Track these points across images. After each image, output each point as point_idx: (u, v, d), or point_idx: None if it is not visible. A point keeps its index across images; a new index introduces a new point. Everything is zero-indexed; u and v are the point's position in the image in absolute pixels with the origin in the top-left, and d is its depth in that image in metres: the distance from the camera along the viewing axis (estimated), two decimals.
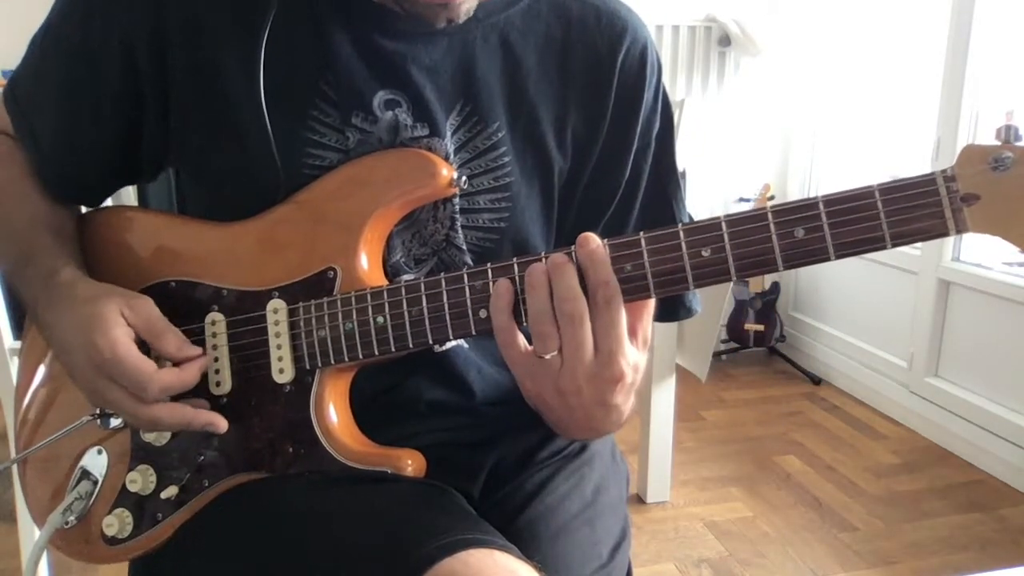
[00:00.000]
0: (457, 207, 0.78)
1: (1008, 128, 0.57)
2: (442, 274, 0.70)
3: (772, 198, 3.26)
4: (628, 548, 0.85)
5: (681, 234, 0.63)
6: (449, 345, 0.81)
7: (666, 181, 0.88)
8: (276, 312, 0.74)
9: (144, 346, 0.71)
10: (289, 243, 0.75)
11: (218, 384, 0.76)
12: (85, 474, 0.79)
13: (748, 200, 3.33)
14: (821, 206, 0.60)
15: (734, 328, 3.32)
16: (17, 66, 0.82)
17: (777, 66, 3.30)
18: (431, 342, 0.70)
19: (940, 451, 2.59)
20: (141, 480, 0.76)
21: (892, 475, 2.44)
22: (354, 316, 0.72)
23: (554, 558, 0.74)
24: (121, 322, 0.70)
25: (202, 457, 0.76)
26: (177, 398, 0.72)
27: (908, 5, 2.86)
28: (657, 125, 0.86)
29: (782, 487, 2.37)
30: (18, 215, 0.80)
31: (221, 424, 0.73)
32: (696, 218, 0.65)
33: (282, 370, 0.74)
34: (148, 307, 0.72)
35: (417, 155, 0.75)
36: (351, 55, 0.75)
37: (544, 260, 0.66)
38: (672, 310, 0.87)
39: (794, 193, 3.42)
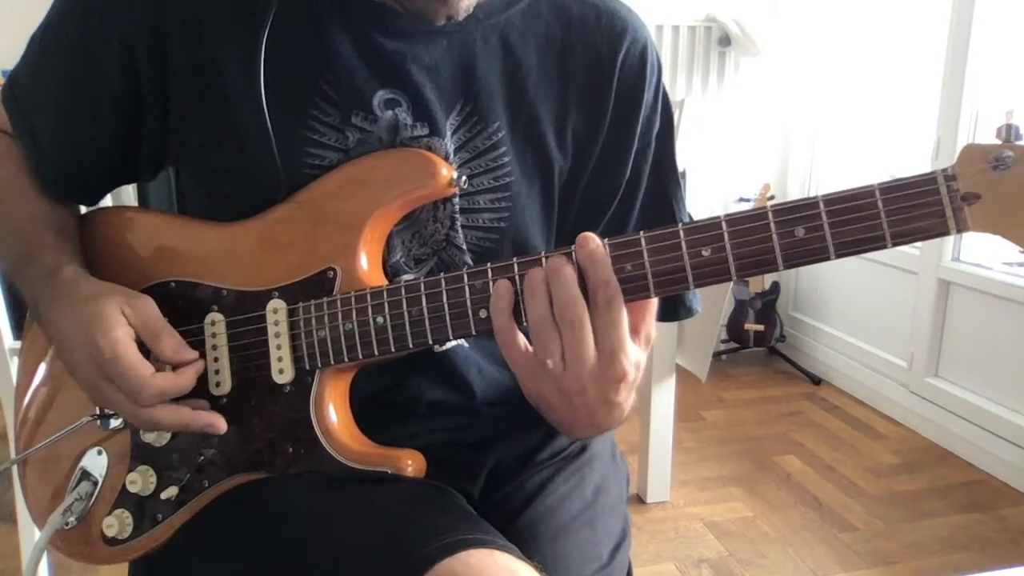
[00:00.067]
0: (457, 207, 0.78)
1: (1008, 127, 0.57)
2: (442, 274, 0.69)
3: (772, 198, 3.26)
4: (628, 548, 0.85)
5: (681, 234, 0.63)
6: (449, 345, 0.81)
7: (666, 181, 0.88)
8: (276, 312, 0.74)
9: (144, 346, 0.71)
10: (289, 243, 0.75)
11: (218, 384, 0.75)
12: (85, 475, 0.79)
13: (748, 200, 3.33)
14: (821, 205, 0.60)
15: (734, 328, 3.32)
16: (16, 64, 0.82)
17: (777, 66, 3.30)
18: (431, 342, 0.70)
19: (940, 451, 2.59)
20: (141, 481, 0.76)
21: (892, 475, 2.44)
22: (354, 316, 0.72)
23: (554, 558, 0.74)
24: (122, 321, 0.70)
25: (202, 457, 0.76)
26: (177, 399, 0.72)
27: (908, 5, 2.86)
28: (657, 125, 0.86)
29: (782, 487, 2.37)
30: (19, 214, 0.80)
31: (220, 425, 0.73)
32: (696, 218, 0.65)
33: (282, 370, 0.74)
34: (148, 307, 0.72)
35: (417, 155, 0.75)
36: (351, 54, 0.75)
37: (544, 260, 0.66)
38: (672, 310, 0.87)
39: (794, 193, 3.42)
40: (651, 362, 2.16)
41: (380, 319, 0.71)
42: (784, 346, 3.42)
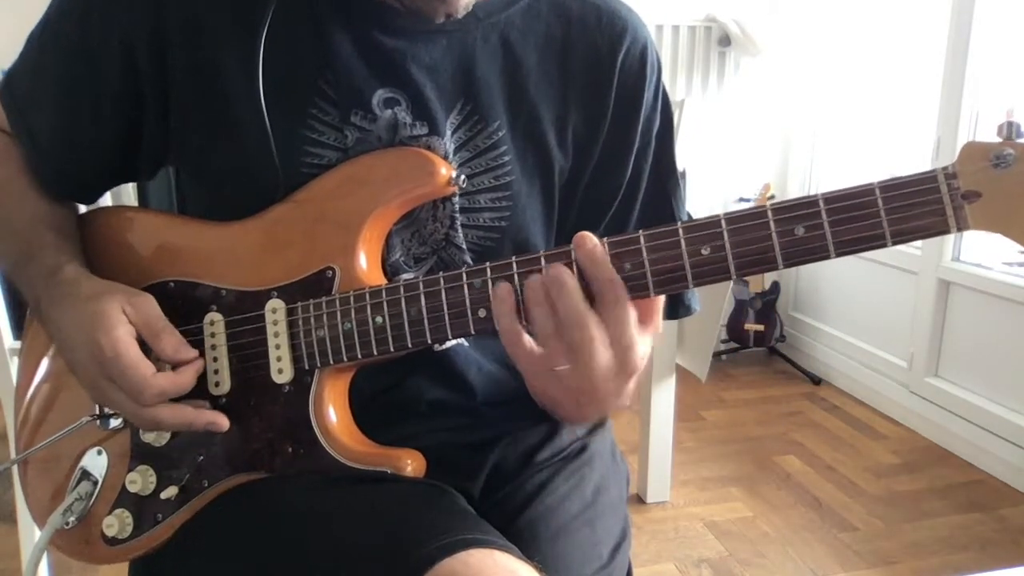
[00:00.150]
0: (457, 206, 0.78)
1: (1010, 124, 0.57)
2: (440, 273, 0.69)
3: (772, 198, 3.26)
4: (628, 548, 0.85)
5: (680, 232, 0.63)
6: (449, 344, 0.81)
7: (666, 179, 0.88)
8: (275, 312, 0.74)
9: (145, 345, 0.71)
10: (288, 243, 0.75)
11: (217, 384, 0.75)
12: (85, 475, 0.79)
13: (748, 200, 3.33)
14: (821, 204, 0.60)
15: (734, 328, 3.32)
16: (14, 62, 0.81)
17: (777, 66, 3.30)
18: (430, 342, 0.70)
19: (940, 451, 2.59)
20: (141, 480, 0.76)
21: (892, 475, 2.44)
22: (353, 316, 0.72)
23: (554, 558, 0.74)
24: (123, 320, 0.70)
25: (201, 457, 0.76)
26: (177, 399, 0.72)
27: (908, 5, 2.86)
28: (657, 124, 0.86)
29: (782, 487, 2.37)
30: (18, 213, 0.80)
31: (223, 423, 0.73)
32: (696, 218, 0.65)
33: (281, 370, 0.74)
34: (149, 305, 0.72)
35: (416, 154, 0.74)
36: (351, 53, 0.75)
37: (542, 260, 0.66)
38: (671, 308, 0.87)
39: (794, 193, 3.42)
40: (651, 362, 2.16)
41: (379, 319, 0.71)
42: (784, 346, 3.42)
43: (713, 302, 2.21)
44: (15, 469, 0.85)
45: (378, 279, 0.74)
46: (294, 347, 0.74)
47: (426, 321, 0.69)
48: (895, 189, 0.59)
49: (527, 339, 0.65)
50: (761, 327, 3.27)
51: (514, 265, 0.67)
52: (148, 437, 0.77)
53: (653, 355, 2.14)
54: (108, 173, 0.84)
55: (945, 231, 0.59)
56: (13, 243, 0.79)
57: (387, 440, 0.76)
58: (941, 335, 2.66)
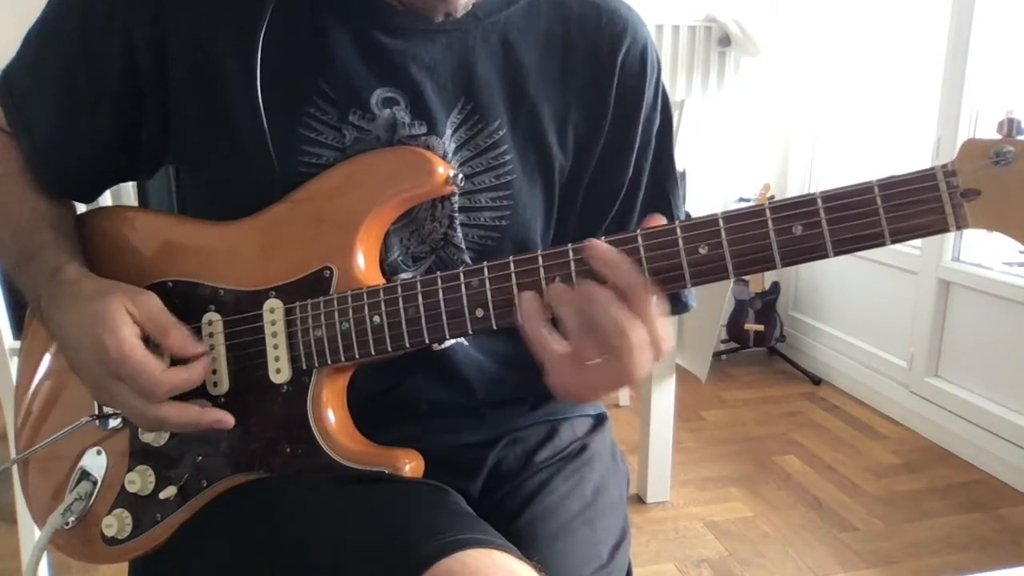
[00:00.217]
0: (456, 205, 0.78)
1: (1010, 122, 0.57)
2: (438, 273, 0.69)
3: (772, 198, 3.23)
4: (628, 548, 0.85)
5: (678, 231, 0.63)
6: (447, 344, 0.81)
7: (665, 178, 0.88)
8: (273, 312, 0.74)
9: (149, 343, 0.71)
10: (285, 242, 0.75)
11: (215, 384, 0.75)
12: (85, 475, 0.79)
13: (748, 200, 3.33)
14: (819, 202, 0.60)
15: (734, 328, 3.32)
16: (11, 60, 0.81)
17: (777, 66, 3.29)
18: (428, 341, 0.70)
19: (940, 451, 2.59)
20: (140, 480, 0.76)
21: (892, 475, 2.44)
22: (350, 316, 0.72)
23: (554, 558, 0.74)
24: (127, 320, 0.70)
25: (200, 457, 0.76)
26: (177, 398, 0.72)
27: (908, 5, 2.86)
28: (657, 123, 0.87)
29: (782, 487, 2.37)
30: (18, 212, 0.80)
31: (229, 421, 0.73)
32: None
33: (279, 370, 0.74)
34: (152, 303, 0.72)
35: (414, 153, 0.74)
36: (350, 53, 0.75)
37: (540, 260, 0.65)
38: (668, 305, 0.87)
39: (794, 193, 3.38)
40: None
41: (376, 319, 0.71)
42: (784, 346, 3.42)
43: (713, 302, 2.20)
44: (15, 469, 0.85)
45: (376, 279, 0.74)
46: (292, 347, 0.74)
47: (424, 321, 0.69)
48: (894, 187, 0.58)
49: (556, 343, 0.64)
50: (761, 327, 3.27)
51: (511, 265, 0.66)
52: (147, 437, 0.77)
53: None
54: (107, 172, 0.84)
55: (944, 229, 0.58)
56: (13, 242, 0.79)
57: (386, 440, 0.76)
58: (941, 335, 2.66)
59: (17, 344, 1.60)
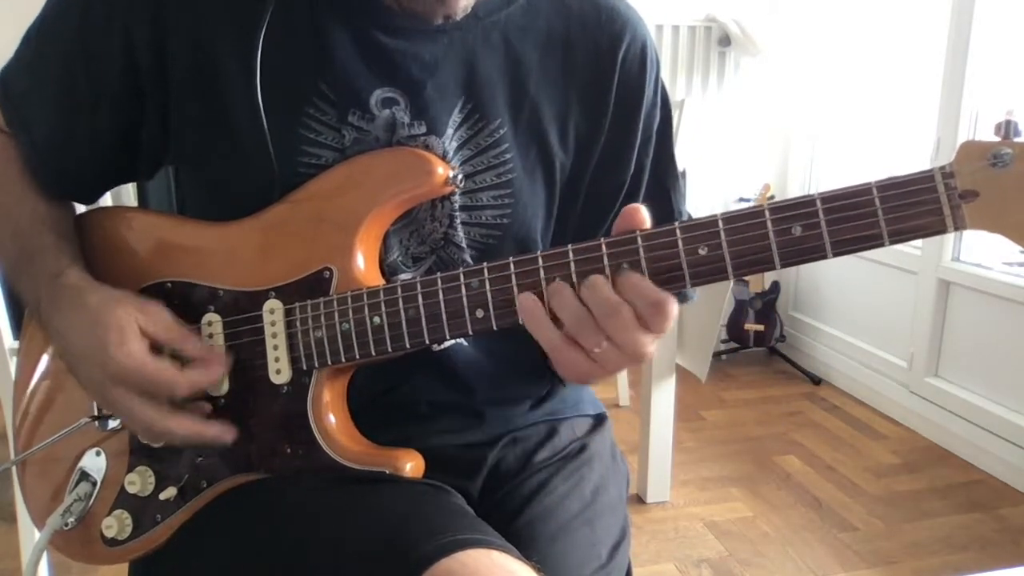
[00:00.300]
0: (456, 205, 0.78)
1: (1007, 124, 0.57)
2: (438, 274, 0.69)
3: (772, 198, 3.26)
4: (628, 548, 0.85)
5: (678, 232, 0.63)
6: (447, 344, 0.81)
7: (665, 174, 0.88)
8: (272, 312, 0.74)
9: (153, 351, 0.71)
10: (285, 243, 0.75)
11: (215, 385, 0.75)
12: (84, 476, 0.79)
13: (748, 200, 3.33)
14: (818, 203, 0.60)
15: (734, 328, 3.32)
16: (9, 61, 0.81)
17: (777, 66, 3.29)
18: (428, 342, 0.70)
19: (940, 451, 2.59)
20: (140, 481, 0.76)
21: (892, 475, 2.44)
22: (350, 316, 0.72)
23: (553, 558, 0.74)
24: (136, 331, 0.70)
25: (200, 458, 0.76)
26: (176, 403, 0.72)
27: (908, 5, 2.86)
28: (658, 120, 0.87)
29: (782, 487, 2.37)
30: (17, 213, 0.80)
31: (227, 437, 0.73)
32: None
33: (279, 371, 0.74)
34: (163, 313, 0.73)
35: (413, 154, 0.74)
36: (349, 53, 0.75)
37: (540, 260, 0.65)
38: None
39: (794, 193, 3.41)
40: (651, 362, 2.16)
41: (376, 319, 0.71)
42: (784, 346, 3.42)
43: (713, 302, 2.21)
44: (14, 469, 0.85)
45: (376, 279, 0.74)
46: (292, 347, 0.74)
47: (424, 321, 0.69)
48: (892, 188, 0.58)
49: (571, 350, 0.65)
50: (761, 327, 3.27)
51: (511, 266, 0.66)
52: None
53: (653, 355, 2.14)
54: (107, 172, 0.84)
55: (943, 231, 0.58)
56: (13, 244, 0.79)
57: (387, 441, 0.76)
58: (941, 335, 2.66)
59: (17, 344, 1.60)
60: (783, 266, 0.61)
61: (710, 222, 0.62)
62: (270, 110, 0.73)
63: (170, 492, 0.76)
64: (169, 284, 0.78)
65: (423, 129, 0.76)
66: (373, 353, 0.71)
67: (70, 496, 0.78)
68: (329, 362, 0.73)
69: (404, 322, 0.70)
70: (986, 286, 2.46)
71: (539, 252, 0.66)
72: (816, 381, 3.18)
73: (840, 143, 3.26)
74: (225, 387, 0.75)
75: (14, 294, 0.79)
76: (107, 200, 0.90)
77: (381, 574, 0.63)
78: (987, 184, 0.57)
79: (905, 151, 2.89)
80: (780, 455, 2.57)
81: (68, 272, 0.75)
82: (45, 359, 0.83)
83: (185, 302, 0.77)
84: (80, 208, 0.86)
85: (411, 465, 0.74)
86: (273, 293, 0.74)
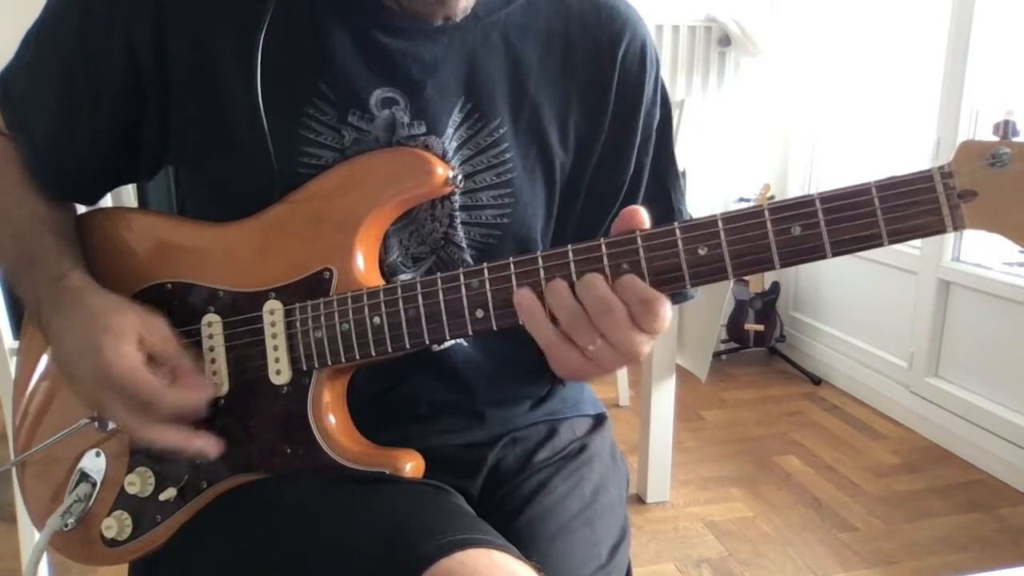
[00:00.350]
0: (456, 204, 0.78)
1: (1006, 123, 0.57)
2: (438, 274, 0.69)
3: (772, 198, 3.26)
4: (628, 548, 0.85)
5: (677, 232, 0.63)
6: (448, 344, 0.81)
7: (665, 173, 0.88)
8: (272, 313, 0.74)
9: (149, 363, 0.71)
10: (285, 244, 0.75)
11: (215, 386, 0.75)
12: (84, 476, 0.79)
13: (748, 200, 3.33)
14: (818, 203, 0.60)
15: (734, 328, 3.32)
16: (9, 62, 0.81)
17: (777, 66, 3.30)
18: (428, 342, 0.70)
19: (940, 451, 2.59)
20: (139, 482, 0.76)
21: (892, 475, 2.44)
22: (350, 317, 0.72)
23: (553, 558, 0.74)
24: (134, 339, 0.70)
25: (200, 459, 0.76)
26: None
27: (908, 5, 2.86)
28: (657, 118, 0.87)
29: (782, 487, 2.37)
30: (18, 214, 0.80)
31: (211, 452, 0.73)
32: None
33: (279, 371, 0.74)
34: (163, 325, 0.73)
35: (413, 154, 0.74)
36: (349, 53, 0.75)
37: (540, 261, 0.65)
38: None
39: (794, 193, 3.41)
40: (651, 362, 2.16)
41: (376, 320, 0.71)
42: (784, 346, 3.42)
43: (713, 302, 2.21)
44: (14, 470, 0.85)
45: (376, 280, 0.74)
46: (292, 348, 0.74)
47: (424, 322, 0.69)
48: (891, 188, 0.59)
49: (557, 334, 0.65)
50: (761, 327, 3.27)
51: (511, 266, 0.67)
52: None
53: (653, 355, 2.14)
54: (107, 173, 0.84)
55: (942, 230, 0.58)
56: (13, 246, 0.79)
57: (387, 441, 0.76)
58: (941, 335, 2.66)
59: (17, 344, 1.60)
60: (783, 266, 0.61)
61: (710, 222, 0.62)
62: (270, 110, 0.73)
63: (170, 493, 0.75)
64: (169, 285, 0.78)
65: (423, 129, 0.76)
66: (373, 353, 0.71)
67: (70, 497, 0.78)
68: (329, 362, 0.73)
69: (404, 322, 0.70)
70: (986, 286, 2.46)
71: (539, 252, 0.66)
72: (816, 381, 3.18)
73: (840, 143, 3.26)
74: (225, 388, 0.75)
75: (15, 294, 0.79)
76: (107, 201, 0.89)
77: (381, 574, 0.63)
78: (986, 184, 0.57)
79: (905, 151, 2.89)
80: (780, 455, 2.57)
81: (70, 275, 0.74)
82: (45, 360, 0.83)
83: (185, 303, 0.77)
84: (80, 209, 0.86)
85: (411, 465, 0.74)
86: (273, 294, 0.74)
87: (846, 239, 0.60)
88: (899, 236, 0.59)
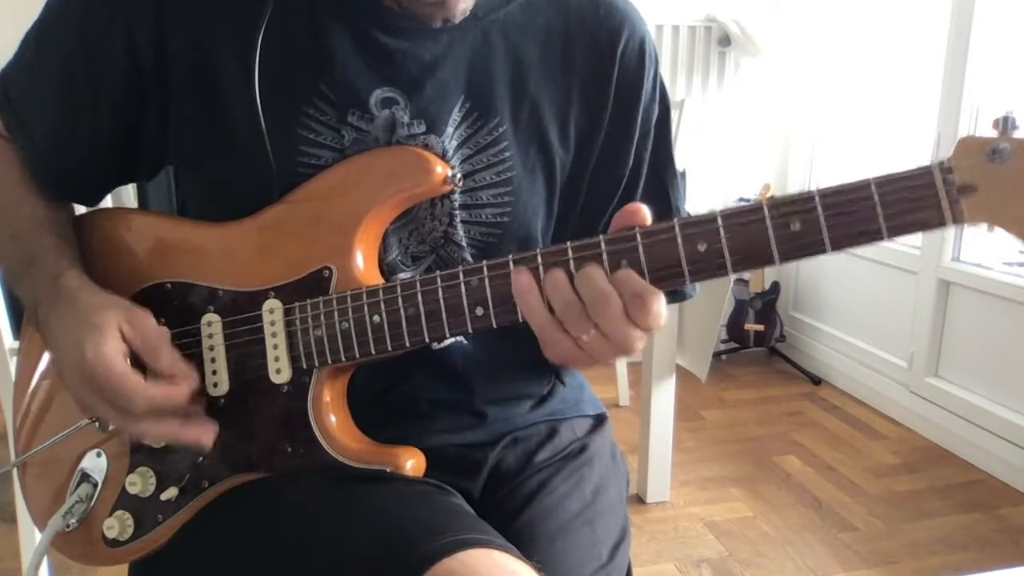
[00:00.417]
0: (456, 203, 0.78)
1: (1005, 119, 0.57)
2: (437, 272, 0.69)
3: (772, 198, 3.25)
4: (628, 548, 0.85)
5: (677, 228, 0.63)
6: (447, 342, 0.81)
7: (664, 169, 0.88)
8: (272, 312, 0.74)
9: (138, 361, 0.71)
10: (284, 243, 0.75)
11: (215, 385, 0.75)
12: (85, 477, 0.79)
13: (748, 200, 3.33)
14: (817, 199, 0.60)
15: (734, 328, 3.32)
16: (8, 62, 0.81)
17: (777, 66, 3.29)
18: (428, 340, 0.70)
19: (940, 451, 2.59)
20: (141, 482, 0.76)
21: (892, 475, 2.44)
22: (350, 315, 0.72)
23: (554, 558, 0.74)
24: (116, 336, 0.69)
25: (201, 458, 0.76)
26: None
27: (908, 5, 2.86)
28: (656, 113, 0.87)
29: (782, 487, 2.37)
30: (18, 215, 0.80)
31: (207, 442, 0.72)
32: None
33: (279, 370, 0.74)
34: (147, 321, 0.72)
35: (411, 153, 0.74)
36: (349, 52, 0.75)
37: (539, 258, 0.65)
38: (667, 295, 0.87)
39: None
40: (651, 362, 2.16)
41: (376, 318, 0.71)
42: (784, 346, 3.42)
43: (713, 302, 2.21)
44: (15, 471, 0.85)
45: (375, 279, 0.74)
46: (292, 347, 0.74)
47: (423, 320, 0.69)
48: (891, 184, 0.59)
49: (554, 323, 0.65)
50: (761, 327, 3.27)
51: (511, 264, 0.66)
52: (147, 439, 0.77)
53: (653, 355, 2.15)
54: (107, 173, 0.84)
55: (942, 224, 0.58)
56: (13, 247, 0.79)
57: (387, 440, 0.76)
58: (941, 335, 2.66)
59: (17, 344, 1.60)
60: (783, 262, 0.61)
61: (709, 218, 0.62)
62: (269, 110, 0.73)
63: (171, 492, 0.75)
64: (168, 285, 0.78)
65: (422, 128, 0.76)
66: (373, 352, 0.71)
67: (71, 497, 0.78)
68: (329, 361, 0.73)
69: (404, 320, 0.70)
70: (986, 286, 2.46)
71: (539, 250, 0.66)
72: (816, 381, 3.18)
73: (840, 143, 3.26)
74: (225, 387, 0.75)
75: (15, 295, 0.79)
76: (107, 201, 0.89)
77: (383, 573, 0.63)
78: (986, 179, 0.57)
79: (905, 151, 2.89)
80: (780, 455, 2.57)
81: (67, 274, 0.74)
82: (45, 360, 0.83)
83: (184, 303, 0.77)
84: (80, 210, 0.86)
85: (412, 463, 0.74)
86: (272, 293, 0.75)
87: (846, 234, 0.60)
88: (899, 230, 0.59)
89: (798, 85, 3.32)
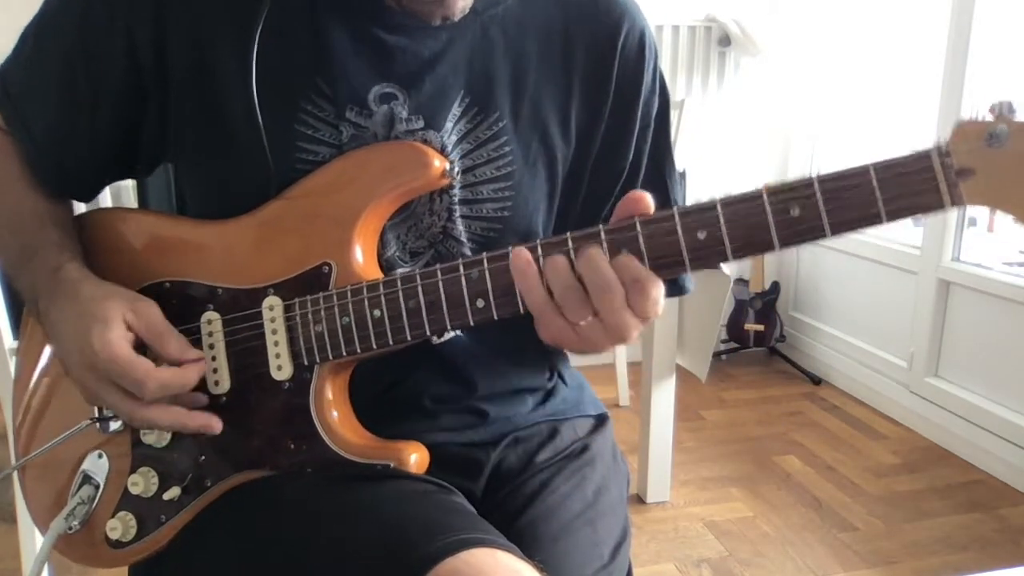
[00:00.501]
0: (456, 198, 0.78)
1: (1002, 103, 0.57)
2: (438, 265, 0.69)
3: None
4: (629, 548, 0.86)
5: (677, 217, 0.63)
6: (448, 336, 0.80)
7: (663, 162, 0.89)
8: (272, 309, 0.74)
9: (142, 349, 0.71)
10: (283, 239, 0.75)
11: (217, 383, 0.75)
12: (87, 478, 0.78)
13: None
14: (816, 184, 0.60)
15: (734, 328, 3.32)
16: (7, 58, 0.81)
17: (777, 66, 3.29)
18: (428, 333, 0.70)
19: (940, 451, 2.59)
20: (143, 482, 0.76)
21: (892, 475, 2.44)
22: (350, 310, 0.71)
23: (555, 558, 0.74)
24: (120, 324, 0.70)
25: (203, 457, 0.76)
26: (178, 399, 0.72)
27: (908, 5, 2.86)
28: (656, 106, 0.87)
29: (782, 487, 2.37)
30: (18, 210, 0.80)
31: (216, 426, 0.73)
32: None
33: (280, 367, 0.74)
34: (151, 309, 0.72)
35: (409, 147, 0.74)
36: (348, 49, 0.75)
37: (539, 250, 0.65)
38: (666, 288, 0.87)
39: None
40: (651, 362, 2.16)
41: (377, 312, 0.71)
42: (784, 346, 3.42)
43: (713, 302, 2.20)
44: (15, 472, 0.85)
45: (374, 273, 0.74)
46: (292, 343, 0.74)
47: (424, 313, 0.69)
48: (889, 168, 0.59)
49: (551, 305, 0.65)
50: (761, 327, 3.27)
51: (510, 256, 0.66)
52: (149, 439, 0.77)
53: (653, 355, 2.14)
54: (106, 170, 0.84)
55: (941, 208, 0.58)
56: (13, 241, 0.79)
57: (389, 437, 0.76)
58: (941, 335, 2.66)
59: (17, 344, 1.59)
60: (783, 247, 0.61)
61: (709, 206, 0.62)
62: (266, 107, 0.73)
63: (174, 492, 0.75)
64: (168, 283, 0.78)
65: (421, 124, 0.76)
66: (374, 346, 0.71)
67: (73, 499, 0.78)
68: (330, 356, 0.72)
69: (404, 314, 0.70)
70: (986, 286, 2.46)
71: (539, 241, 0.66)
72: (816, 381, 3.18)
73: (840, 143, 3.26)
74: (227, 385, 0.75)
75: (14, 293, 0.79)
76: (107, 198, 0.89)
77: (385, 573, 0.63)
78: (983, 162, 0.57)
79: (905, 151, 2.89)
80: (780, 455, 2.56)
81: (68, 266, 0.75)
82: (45, 359, 0.83)
83: (184, 301, 0.77)
84: (80, 208, 0.86)
85: (416, 457, 0.74)
86: (272, 290, 0.74)
87: (845, 218, 0.60)
88: (898, 214, 0.59)
89: (798, 85, 3.32)
